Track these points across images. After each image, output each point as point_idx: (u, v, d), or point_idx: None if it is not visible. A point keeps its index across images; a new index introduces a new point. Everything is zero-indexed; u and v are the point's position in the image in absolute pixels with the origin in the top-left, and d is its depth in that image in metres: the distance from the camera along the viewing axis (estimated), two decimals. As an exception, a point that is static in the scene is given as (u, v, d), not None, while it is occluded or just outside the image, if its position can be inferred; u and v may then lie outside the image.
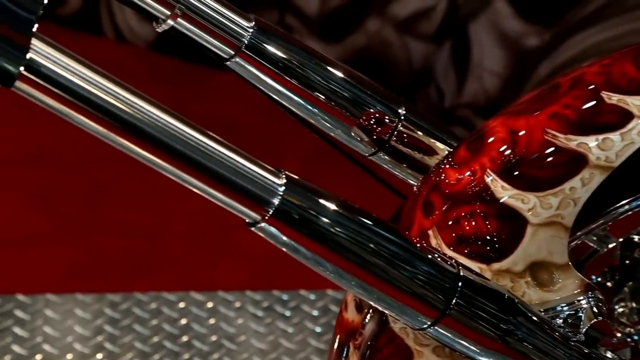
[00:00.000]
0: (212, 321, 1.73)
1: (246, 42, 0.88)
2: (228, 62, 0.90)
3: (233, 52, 0.89)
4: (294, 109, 0.93)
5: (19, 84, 0.64)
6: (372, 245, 0.73)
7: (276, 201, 0.71)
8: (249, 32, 0.88)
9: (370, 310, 0.85)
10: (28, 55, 0.63)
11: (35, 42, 0.64)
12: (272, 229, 0.72)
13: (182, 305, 1.76)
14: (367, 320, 0.85)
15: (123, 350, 1.66)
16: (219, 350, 1.67)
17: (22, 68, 0.63)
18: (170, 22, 0.87)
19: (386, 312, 0.77)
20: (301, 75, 0.90)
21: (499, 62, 2.16)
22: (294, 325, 1.73)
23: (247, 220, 0.73)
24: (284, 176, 0.71)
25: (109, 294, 1.76)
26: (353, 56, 2.24)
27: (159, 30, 0.89)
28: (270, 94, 0.92)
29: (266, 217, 0.71)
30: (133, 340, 1.68)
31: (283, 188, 0.71)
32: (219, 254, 1.90)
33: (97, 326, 1.69)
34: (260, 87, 0.92)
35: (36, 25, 0.63)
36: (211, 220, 1.98)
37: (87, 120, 0.67)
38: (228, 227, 1.96)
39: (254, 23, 0.88)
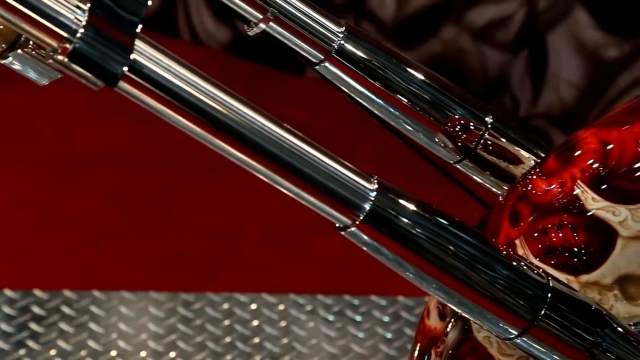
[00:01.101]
0: (283, 323, 1.74)
1: (336, 46, 0.89)
2: (317, 67, 0.91)
3: (322, 57, 0.89)
4: (379, 114, 0.93)
5: (121, 84, 0.65)
6: (461, 253, 0.73)
7: (367, 206, 0.71)
8: (339, 37, 0.88)
9: (453, 318, 0.85)
10: (132, 56, 0.64)
11: (138, 43, 0.65)
12: (362, 234, 0.72)
13: (254, 306, 1.77)
14: (449, 328, 0.85)
15: (195, 350, 1.67)
16: (289, 353, 1.68)
17: (125, 68, 0.64)
18: (262, 25, 0.88)
19: (471, 319, 0.77)
20: (389, 80, 0.90)
21: (576, 73, 2.15)
22: (364, 331, 1.73)
23: (337, 225, 0.73)
24: (375, 181, 0.72)
25: (183, 293, 1.78)
26: (428, 63, 2.23)
27: (250, 33, 0.90)
28: (357, 99, 0.93)
29: (357, 222, 0.72)
30: (205, 340, 1.69)
31: (374, 193, 0.71)
32: (291, 257, 1.91)
33: (171, 325, 1.71)
34: (348, 92, 0.93)
35: (140, 27, 0.65)
36: (284, 223, 1.99)
37: (185, 121, 0.68)
38: (300, 230, 1.97)
39: (344, 28, 0.89)
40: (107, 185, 2.02)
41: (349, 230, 0.72)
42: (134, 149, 2.13)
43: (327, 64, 0.90)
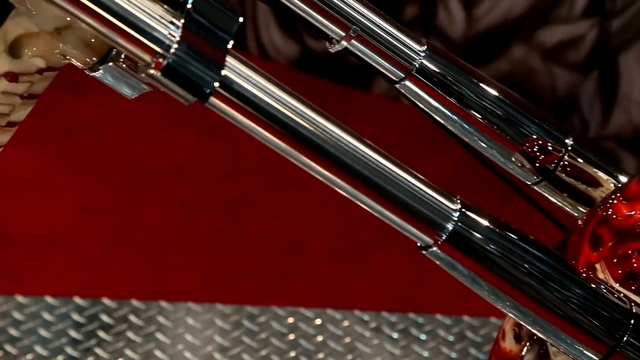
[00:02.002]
0: (347, 340, 1.74)
1: (417, 65, 0.89)
2: (397, 85, 0.91)
3: (403, 75, 0.90)
4: (457, 133, 0.93)
5: (212, 99, 0.66)
6: (542, 274, 0.73)
7: (450, 226, 0.71)
8: (420, 55, 0.89)
9: (529, 342, 0.84)
10: (223, 72, 0.65)
11: (229, 60, 0.65)
12: (444, 254, 0.72)
13: (318, 321, 1.77)
14: (525, 352, 0.85)
15: (260, 363, 1.68)
16: (354, 369, 1.68)
17: (216, 84, 0.65)
18: (344, 43, 0.88)
19: (548, 341, 0.77)
20: (468, 99, 0.90)
21: (649, 95, 2.12)
22: (429, 350, 1.73)
23: (418, 244, 0.73)
24: (458, 201, 0.72)
25: (248, 306, 1.79)
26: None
27: (332, 50, 0.90)
28: (436, 117, 0.93)
29: (439, 242, 0.72)
30: (270, 353, 1.70)
31: (457, 213, 0.71)
32: (356, 273, 1.91)
33: (236, 337, 1.72)
34: (427, 110, 0.93)
35: (231, 43, 0.65)
36: (349, 238, 1.99)
37: (272, 137, 0.68)
38: (366, 246, 1.97)
39: (425, 47, 0.89)
40: (176, 196, 2.04)
41: (431, 250, 0.72)
42: (203, 160, 2.15)
43: (407, 82, 0.90)
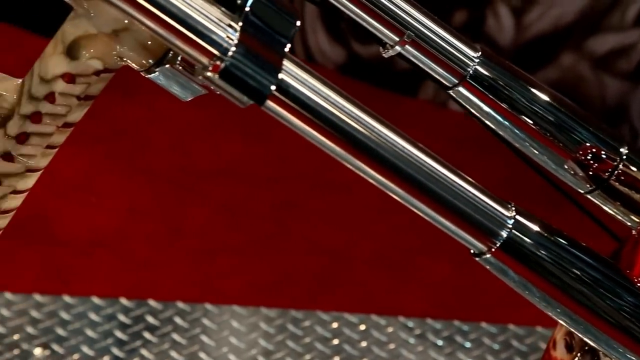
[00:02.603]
0: (392, 346, 1.74)
1: (471, 71, 0.88)
2: (450, 91, 0.90)
3: (457, 81, 0.89)
4: (510, 140, 0.93)
5: (268, 102, 0.66)
6: (596, 284, 0.72)
7: (504, 234, 0.71)
8: (474, 61, 0.88)
9: (580, 352, 0.84)
10: (280, 76, 0.65)
11: (286, 63, 0.66)
12: (498, 262, 0.72)
13: (362, 327, 1.77)
14: (576, 361, 0.84)
15: (304, 367, 1.68)
16: (398, 376, 1.68)
17: (273, 87, 0.65)
18: (398, 48, 0.88)
19: (602, 351, 0.76)
20: (522, 106, 0.90)
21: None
22: (474, 358, 1.72)
23: (472, 251, 0.73)
24: (513, 208, 0.71)
25: (293, 310, 1.79)
26: (544, 90, 2.21)
27: (386, 55, 0.90)
28: (489, 124, 0.92)
29: (493, 250, 0.71)
30: (314, 358, 1.70)
31: (512, 221, 0.71)
32: (401, 280, 1.90)
33: (280, 341, 1.72)
34: (479, 116, 0.92)
35: (288, 46, 0.66)
36: (395, 244, 1.99)
37: (327, 142, 0.68)
38: (411, 252, 1.97)
39: (480, 53, 0.89)
40: (222, 200, 2.05)
41: (484, 257, 0.72)
42: (249, 164, 2.15)
43: (460, 89, 0.90)
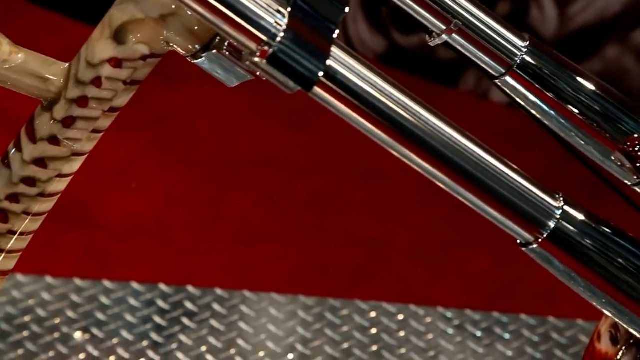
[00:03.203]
0: (430, 336, 1.73)
1: (518, 61, 0.88)
2: (496, 80, 0.90)
3: (503, 71, 0.88)
4: (557, 130, 0.92)
5: (315, 89, 0.66)
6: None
7: (552, 224, 0.70)
8: (522, 51, 0.88)
9: (626, 345, 0.83)
10: (328, 62, 0.65)
11: (334, 50, 0.65)
12: (544, 252, 0.71)
13: (401, 317, 1.77)
14: (621, 355, 0.83)
15: (342, 356, 1.68)
16: (436, 366, 1.67)
17: (321, 74, 0.65)
18: (444, 36, 0.88)
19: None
20: (569, 96, 0.89)
21: None
22: (513, 350, 1.71)
23: (518, 241, 0.72)
24: (561, 199, 0.71)
25: (331, 299, 1.79)
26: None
27: (432, 44, 0.90)
28: (535, 114, 0.91)
29: (540, 240, 0.71)
30: (352, 347, 1.70)
31: (560, 211, 0.70)
32: (439, 271, 1.90)
33: (318, 330, 1.72)
34: (525, 107, 0.92)
35: (337, 32, 0.65)
36: (434, 235, 1.98)
37: (374, 129, 0.68)
38: (450, 243, 1.96)
39: (528, 42, 0.88)
40: (261, 189, 2.05)
41: (531, 247, 0.71)
42: (289, 154, 2.15)
43: (507, 78, 0.89)
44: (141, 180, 2.03)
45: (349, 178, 2.10)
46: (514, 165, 0.70)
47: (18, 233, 0.87)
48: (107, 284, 1.76)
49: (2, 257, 0.88)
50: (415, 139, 0.68)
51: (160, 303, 1.73)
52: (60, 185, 0.87)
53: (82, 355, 1.62)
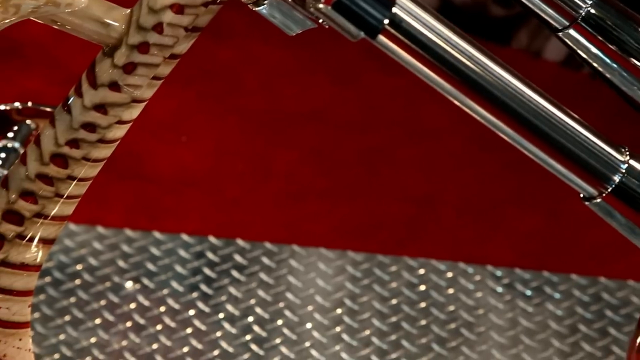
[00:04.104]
0: (478, 294, 1.73)
1: (583, 13, 0.86)
2: (560, 33, 0.88)
3: (567, 23, 0.87)
4: (619, 84, 0.90)
5: (380, 37, 0.65)
6: None
7: (617, 179, 0.69)
8: (587, 3, 0.86)
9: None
10: (393, 10, 0.64)
11: (400, -3, 0.64)
12: (608, 206, 0.70)
13: (450, 274, 1.76)
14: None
15: (391, 312, 1.68)
16: (484, 324, 1.67)
17: (386, 22, 0.64)
18: (508, -12, 0.86)
19: None
20: (635, 50, 0.87)
21: None
22: (563, 309, 1.70)
23: (581, 195, 0.71)
24: (627, 152, 0.70)
25: (380, 256, 1.79)
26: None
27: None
28: (598, 67, 0.90)
29: (604, 194, 0.70)
30: (400, 303, 1.70)
31: (625, 165, 0.69)
32: (489, 229, 1.89)
33: (366, 285, 1.72)
34: (588, 60, 0.90)
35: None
36: (484, 192, 1.97)
37: (437, 78, 0.67)
38: (500, 201, 1.95)
39: (593, -6, 0.86)
40: (310, 144, 2.05)
41: (595, 201, 0.70)
42: (338, 109, 2.15)
43: (571, 31, 0.87)
44: (191, 133, 2.04)
45: (398, 135, 2.09)
46: (580, 119, 0.69)
47: (77, 179, 0.87)
48: (157, 235, 1.77)
49: (61, 202, 0.88)
50: (481, 90, 0.67)
51: (210, 255, 1.74)
52: (120, 131, 0.87)
53: (132, 305, 1.63)
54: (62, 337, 1.55)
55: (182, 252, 1.74)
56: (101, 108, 0.83)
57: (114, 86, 0.81)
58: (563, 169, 0.70)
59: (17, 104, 1.12)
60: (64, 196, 0.88)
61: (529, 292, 1.73)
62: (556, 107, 0.69)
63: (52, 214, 0.88)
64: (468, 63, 0.67)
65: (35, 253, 0.90)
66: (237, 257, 1.75)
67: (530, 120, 0.68)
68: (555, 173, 0.71)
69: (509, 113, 0.68)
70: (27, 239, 0.89)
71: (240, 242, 1.78)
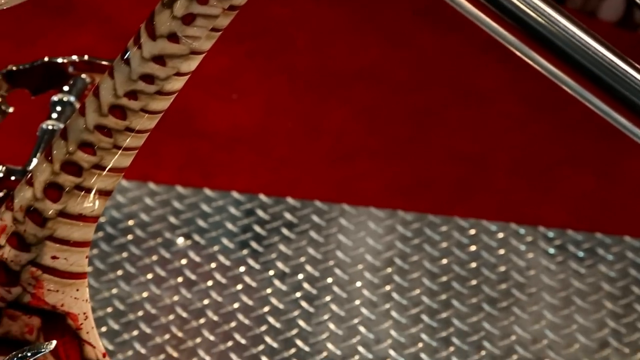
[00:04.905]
0: (530, 255, 1.72)
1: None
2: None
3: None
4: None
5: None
6: None
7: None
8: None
9: None
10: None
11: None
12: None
13: (501, 235, 1.75)
14: None
15: (441, 272, 1.68)
16: (535, 285, 1.66)
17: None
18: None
19: None
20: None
21: None
22: (616, 271, 1.69)
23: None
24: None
25: (430, 215, 1.78)
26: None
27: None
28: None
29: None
30: (450, 263, 1.69)
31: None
32: (540, 190, 1.87)
33: (416, 245, 1.72)
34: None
35: None
36: (536, 154, 1.95)
37: (505, 32, 0.66)
38: (551, 163, 1.93)
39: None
40: (360, 103, 2.04)
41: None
42: (389, 69, 2.13)
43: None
44: (242, 91, 2.04)
45: (449, 95, 2.08)
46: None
47: (135, 131, 0.87)
48: (208, 192, 1.78)
49: (118, 154, 0.89)
50: (546, 41, 0.66)
51: (260, 213, 1.75)
52: (178, 84, 0.87)
53: (184, 261, 1.64)
54: (114, 291, 1.56)
55: (233, 210, 1.74)
56: (160, 59, 0.83)
57: (173, 37, 0.81)
58: (629, 124, 0.69)
59: (74, 57, 1.12)
60: (122, 148, 0.88)
61: (581, 254, 1.72)
62: (624, 61, 0.67)
63: (109, 165, 0.89)
64: (534, 15, 0.66)
65: (92, 204, 0.90)
66: (287, 215, 1.75)
67: (596, 74, 0.67)
68: (621, 128, 0.70)
69: (575, 66, 0.67)
70: (85, 190, 0.89)
71: (290, 200, 1.78)
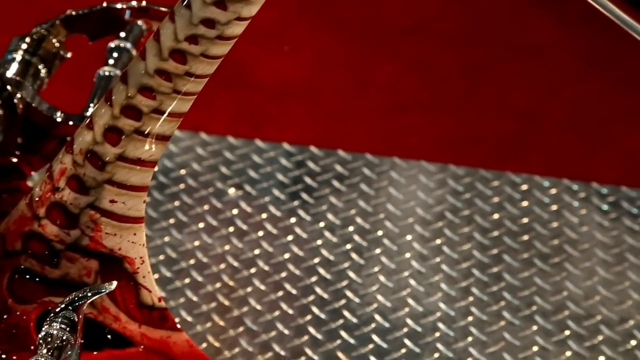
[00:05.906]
0: (583, 211, 1.71)
1: None
2: None
3: None
4: None
5: None
6: None
7: None
8: None
9: None
10: None
11: None
12: None
13: (553, 191, 1.74)
14: None
15: (492, 226, 1.67)
16: (588, 241, 1.65)
17: None
18: None
19: None
20: None
21: None
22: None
23: None
24: None
25: (482, 170, 1.77)
26: None
27: None
28: None
29: None
30: (502, 218, 1.68)
31: None
32: (593, 146, 1.85)
33: (468, 199, 1.71)
34: None
35: None
36: (588, 110, 1.93)
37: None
38: (604, 120, 1.91)
39: None
40: (412, 57, 2.03)
41: None
42: (441, 23, 2.12)
43: None
44: (293, 43, 2.03)
45: (502, 50, 2.06)
46: None
47: (195, 75, 0.87)
48: (259, 143, 1.78)
49: (178, 98, 0.89)
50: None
51: (311, 165, 1.74)
52: (238, 28, 0.87)
53: (235, 211, 1.64)
54: (166, 239, 1.57)
55: (284, 161, 1.74)
56: (221, 3, 0.83)
57: (235, -20, 0.80)
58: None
59: (133, 2, 1.12)
60: (181, 92, 0.88)
61: (635, 210, 1.70)
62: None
63: (169, 110, 0.89)
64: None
65: (151, 148, 0.90)
66: (338, 167, 1.75)
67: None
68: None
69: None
70: (144, 134, 0.89)
71: (341, 152, 1.78)
